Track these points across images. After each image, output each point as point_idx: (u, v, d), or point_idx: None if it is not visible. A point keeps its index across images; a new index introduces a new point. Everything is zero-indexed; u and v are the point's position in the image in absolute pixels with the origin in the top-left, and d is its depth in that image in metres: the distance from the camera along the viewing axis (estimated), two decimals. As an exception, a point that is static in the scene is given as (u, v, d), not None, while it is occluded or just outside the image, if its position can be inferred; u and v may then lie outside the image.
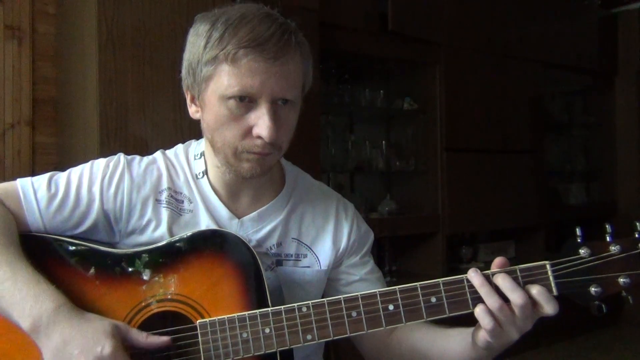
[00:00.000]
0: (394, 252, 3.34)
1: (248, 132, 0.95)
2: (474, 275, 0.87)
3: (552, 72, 3.83)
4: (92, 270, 0.96)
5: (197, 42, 0.96)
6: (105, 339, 0.84)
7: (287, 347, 0.90)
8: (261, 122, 0.93)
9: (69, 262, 0.97)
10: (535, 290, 0.85)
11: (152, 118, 2.10)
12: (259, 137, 0.94)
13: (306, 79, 1.01)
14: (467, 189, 3.27)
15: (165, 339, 0.90)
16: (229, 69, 0.92)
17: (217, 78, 0.93)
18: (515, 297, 0.84)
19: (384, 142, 3.30)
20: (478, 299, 0.87)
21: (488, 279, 0.87)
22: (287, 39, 0.93)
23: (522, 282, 0.87)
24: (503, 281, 0.86)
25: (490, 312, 0.85)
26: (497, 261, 0.89)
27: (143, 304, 0.94)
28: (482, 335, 0.87)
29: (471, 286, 0.88)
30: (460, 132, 3.26)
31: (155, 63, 2.10)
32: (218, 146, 0.98)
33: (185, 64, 0.99)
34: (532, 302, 0.85)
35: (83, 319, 0.87)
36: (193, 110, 1.03)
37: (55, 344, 0.84)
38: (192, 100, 1.02)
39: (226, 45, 0.91)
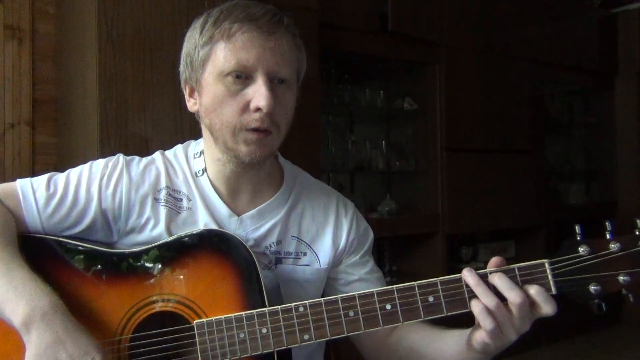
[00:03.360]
0: (393, 252, 3.33)
1: (246, 107, 0.96)
2: (468, 275, 0.87)
3: (552, 72, 3.82)
4: (89, 271, 0.96)
5: (193, 34, 1.00)
6: (96, 353, 0.85)
7: (284, 347, 0.90)
8: (258, 94, 0.94)
9: (66, 263, 0.96)
10: (533, 290, 0.85)
11: (152, 118, 2.10)
12: (257, 109, 0.95)
13: (300, 65, 1.03)
14: (467, 189, 3.27)
15: None
16: (224, 45, 0.95)
17: (214, 57, 0.96)
18: (513, 295, 0.84)
19: (384, 142, 3.30)
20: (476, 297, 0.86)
21: (483, 278, 0.86)
22: (279, 19, 0.97)
23: (521, 281, 0.86)
24: (500, 280, 0.85)
25: (490, 313, 0.84)
26: (493, 261, 0.89)
27: (140, 304, 0.94)
28: (480, 337, 0.87)
29: (469, 285, 0.87)
30: (460, 132, 3.26)
31: (155, 63, 2.10)
32: (217, 129, 0.99)
33: (182, 58, 1.02)
34: (531, 302, 0.84)
35: (79, 327, 0.87)
36: (191, 104, 1.05)
37: (45, 342, 0.83)
38: (191, 93, 1.04)
39: (221, 24, 0.95)
